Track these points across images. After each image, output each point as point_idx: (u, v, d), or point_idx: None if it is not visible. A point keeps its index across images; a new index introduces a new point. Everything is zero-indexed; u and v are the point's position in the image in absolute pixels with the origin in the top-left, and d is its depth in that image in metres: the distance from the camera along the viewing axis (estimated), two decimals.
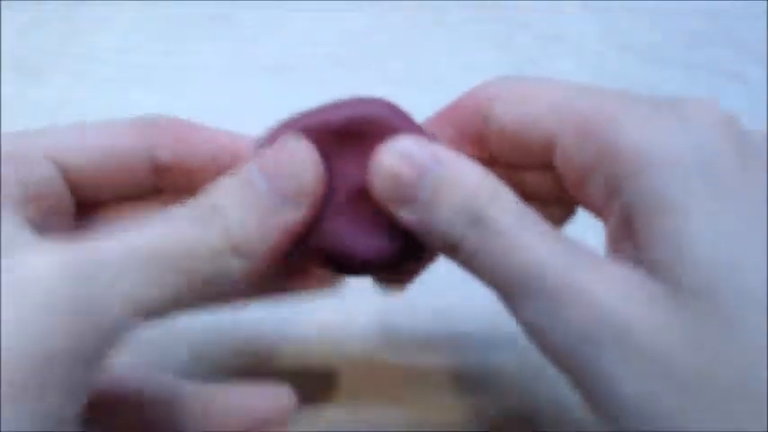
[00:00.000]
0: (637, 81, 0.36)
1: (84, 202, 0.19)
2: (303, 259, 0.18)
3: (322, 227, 0.17)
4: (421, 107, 0.33)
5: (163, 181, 0.19)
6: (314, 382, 0.23)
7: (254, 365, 0.24)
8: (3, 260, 0.14)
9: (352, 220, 0.17)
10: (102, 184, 0.19)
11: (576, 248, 0.16)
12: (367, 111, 0.17)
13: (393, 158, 0.16)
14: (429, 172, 0.16)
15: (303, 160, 0.16)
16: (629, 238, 0.15)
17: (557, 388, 0.23)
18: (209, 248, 0.15)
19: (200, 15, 0.38)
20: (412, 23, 0.38)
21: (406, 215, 0.16)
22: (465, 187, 0.16)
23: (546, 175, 0.18)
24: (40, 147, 0.18)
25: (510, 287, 0.15)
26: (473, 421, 0.23)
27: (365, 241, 0.17)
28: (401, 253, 0.17)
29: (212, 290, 0.16)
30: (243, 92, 0.34)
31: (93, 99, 0.33)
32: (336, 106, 0.17)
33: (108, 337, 0.15)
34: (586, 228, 0.19)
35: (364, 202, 0.17)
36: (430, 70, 0.36)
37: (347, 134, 0.17)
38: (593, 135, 0.16)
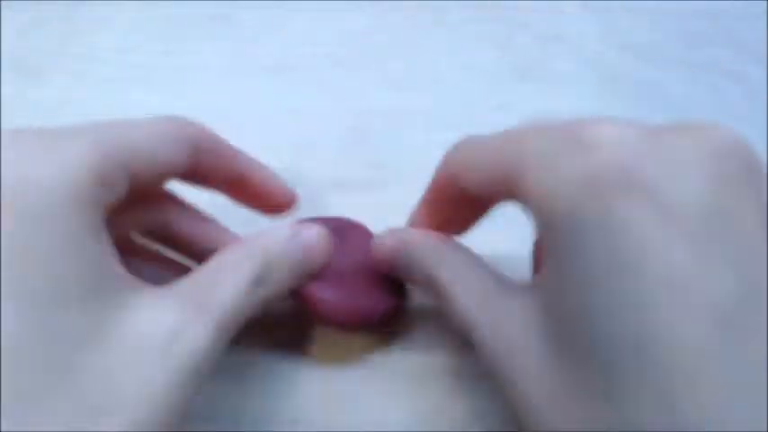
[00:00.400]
0: (637, 81, 0.36)
1: None
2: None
3: (326, 292, 0.22)
4: (421, 107, 0.33)
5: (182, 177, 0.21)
6: (314, 381, 0.23)
7: (252, 362, 0.24)
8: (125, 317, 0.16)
9: (349, 286, 0.23)
10: (145, 182, 0.19)
11: (501, 292, 0.18)
12: (342, 220, 0.25)
13: (380, 248, 0.22)
14: (400, 252, 0.21)
15: (323, 238, 0.22)
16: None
17: None
18: (262, 300, 0.19)
19: (200, 15, 0.38)
20: (412, 23, 0.38)
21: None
22: (424, 257, 0.20)
23: None
24: (120, 158, 0.18)
25: (460, 332, 0.19)
26: (473, 421, 0.23)
27: (359, 300, 0.23)
28: (388, 309, 0.23)
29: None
30: (243, 92, 0.34)
31: (93, 99, 0.33)
32: (327, 218, 0.24)
33: None
34: None
35: (354, 275, 0.23)
36: (430, 70, 0.36)
37: (335, 231, 0.23)
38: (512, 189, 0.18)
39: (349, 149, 0.31)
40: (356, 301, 0.22)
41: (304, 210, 0.28)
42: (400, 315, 0.25)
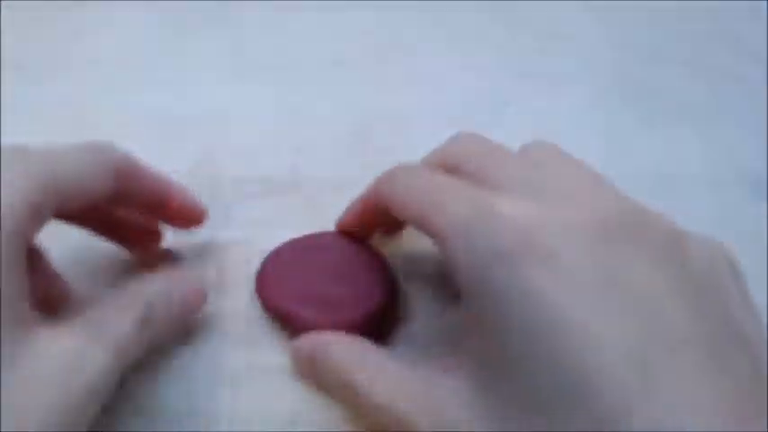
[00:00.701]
0: (637, 81, 0.36)
1: None
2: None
3: (305, 310, 0.24)
4: (421, 107, 0.33)
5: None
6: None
7: (252, 362, 0.24)
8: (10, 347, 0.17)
9: (328, 299, 0.24)
10: (70, 208, 0.20)
11: (425, 378, 0.19)
12: (321, 237, 0.26)
13: (297, 355, 0.23)
14: (318, 359, 0.21)
15: (199, 285, 0.24)
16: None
17: None
18: (147, 341, 0.21)
19: (201, 16, 0.38)
20: (412, 23, 0.38)
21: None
22: (341, 368, 0.20)
23: None
24: (52, 190, 0.19)
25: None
26: None
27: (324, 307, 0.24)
28: (370, 312, 0.24)
29: None
30: (243, 92, 0.34)
31: (93, 99, 0.33)
32: (309, 236, 0.26)
33: None
34: None
35: (335, 284, 0.24)
36: (430, 70, 0.36)
37: (314, 247, 0.25)
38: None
39: (349, 150, 0.31)
40: (336, 314, 0.23)
41: (304, 210, 0.29)
42: (393, 312, 0.25)
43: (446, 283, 0.26)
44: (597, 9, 0.40)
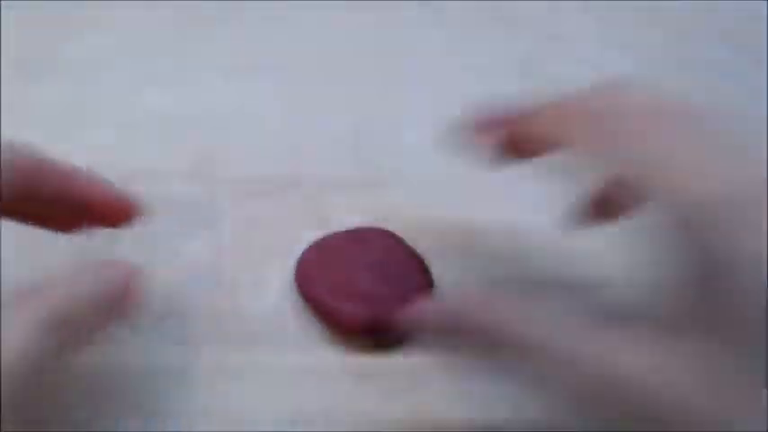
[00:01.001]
0: (636, 81, 0.36)
1: None
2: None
3: (344, 305, 0.24)
4: (421, 107, 0.33)
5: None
6: (314, 381, 0.24)
7: (252, 362, 0.24)
8: None
9: (367, 295, 0.24)
10: None
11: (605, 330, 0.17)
12: (365, 231, 0.26)
13: (434, 314, 0.21)
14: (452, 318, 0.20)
15: (130, 274, 0.20)
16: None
17: None
18: (62, 343, 0.18)
19: (201, 15, 0.38)
20: (412, 23, 0.38)
21: None
22: (487, 328, 0.19)
23: None
24: None
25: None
26: (473, 421, 0.23)
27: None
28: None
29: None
30: (243, 92, 0.34)
31: (93, 99, 0.33)
32: (351, 230, 0.26)
33: None
34: None
35: (373, 282, 0.24)
36: (430, 70, 0.36)
37: (351, 242, 0.26)
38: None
39: (349, 149, 0.31)
40: (375, 310, 0.23)
41: (304, 210, 0.29)
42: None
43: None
44: (597, 9, 0.40)
